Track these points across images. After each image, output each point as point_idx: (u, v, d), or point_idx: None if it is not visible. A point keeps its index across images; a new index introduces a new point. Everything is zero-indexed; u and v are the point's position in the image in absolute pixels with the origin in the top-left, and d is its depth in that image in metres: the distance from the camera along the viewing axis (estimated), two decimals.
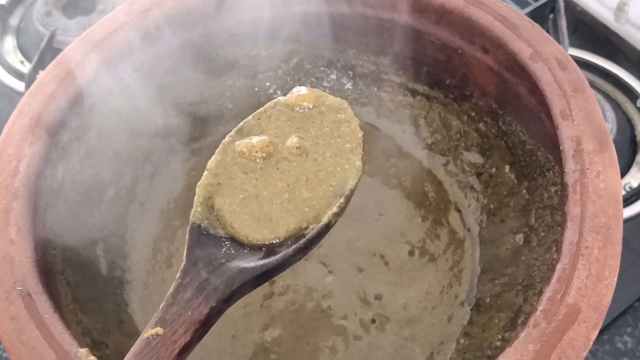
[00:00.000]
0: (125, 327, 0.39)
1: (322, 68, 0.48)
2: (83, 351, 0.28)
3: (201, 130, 0.48)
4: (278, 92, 0.49)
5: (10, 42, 0.65)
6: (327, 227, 0.29)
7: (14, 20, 0.66)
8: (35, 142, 0.35)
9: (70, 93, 0.37)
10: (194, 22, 0.43)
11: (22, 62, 0.63)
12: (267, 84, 0.49)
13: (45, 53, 0.56)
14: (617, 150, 0.33)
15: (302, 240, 0.28)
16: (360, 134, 0.31)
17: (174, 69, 0.45)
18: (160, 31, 0.42)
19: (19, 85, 0.60)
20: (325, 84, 0.49)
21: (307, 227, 0.29)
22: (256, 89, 0.49)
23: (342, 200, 0.29)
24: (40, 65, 0.55)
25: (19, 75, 0.61)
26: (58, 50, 0.40)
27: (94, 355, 0.28)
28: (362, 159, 0.31)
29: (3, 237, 0.31)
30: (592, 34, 0.63)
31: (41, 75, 0.38)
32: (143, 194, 0.45)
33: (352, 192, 0.30)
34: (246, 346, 0.39)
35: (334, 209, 0.29)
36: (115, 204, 0.43)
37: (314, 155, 0.31)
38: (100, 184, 0.42)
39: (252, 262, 0.28)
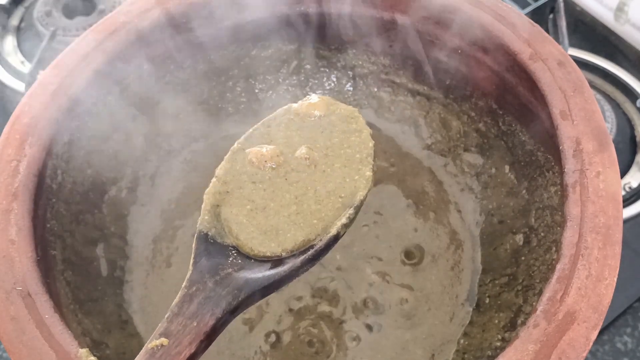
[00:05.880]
0: (125, 327, 0.39)
1: (322, 69, 0.48)
2: (83, 351, 0.28)
3: (201, 131, 0.48)
4: (279, 93, 0.49)
5: (10, 42, 0.65)
6: (336, 238, 0.29)
7: (14, 21, 0.66)
8: (35, 142, 0.35)
9: (70, 93, 0.37)
10: (193, 23, 0.43)
11: (22, 62, 0.63)
12: (268, 85, 0.49)
13: (45, 53, 0.56)
14: (617, 150, 0.32)
15: (311, 252, 0.28)
16: (371, 143, 0.31)
17: (174, 69, 0.45)
18: (160, 31, 0.42)
19: (20, 86, 0.60)
20: (325, 84, 0.49)
21: (315, 239, 0.29)
22: (256, 90, 0.49)
23: (351, 211, 0.29)
24: (40, 65, 0.55)
25: (19, 75, 0.61)
26: (58, 51, 0.40)
27: (94, 355, 0.28)
28: (372, 169, 0.30)
29: (3, 237, 0.31)
30: (592, 34, 0.63)
31: (41, 75, 0.38)
32: (144, 194, 0.45)
33: (361, 203, 0.29)
34: (244, 348, 0.39)
35: (343, 220, 0.29)
36: (116, 204, 0.43)
37: (323, 167, 0.30)
38: (100, 184, 0.42)
39: (259, 273, 0.28)
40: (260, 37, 0.46)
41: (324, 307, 0.40)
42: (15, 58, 0.63)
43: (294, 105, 0.33)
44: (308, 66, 0.48)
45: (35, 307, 0.29)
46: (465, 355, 0.37)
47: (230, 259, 0.28)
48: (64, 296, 0.34)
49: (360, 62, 0.48)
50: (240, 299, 0.27)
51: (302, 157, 0.30)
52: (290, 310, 0.40)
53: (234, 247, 0.29)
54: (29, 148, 0.34)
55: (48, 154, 0.35)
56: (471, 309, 0.39)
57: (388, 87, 0.48)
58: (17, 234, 0.31)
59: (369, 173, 0.30)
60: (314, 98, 0.33)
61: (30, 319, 0.28)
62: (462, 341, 0.38)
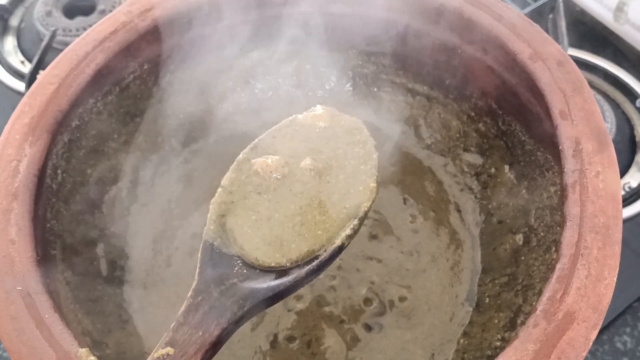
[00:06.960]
0: (125, 327, 0.39)
1: (322, 69, 0.48)
2: (83, 351, 0.28)
3: (201, 131, 0.48)
4: (279, 94, 0.49)
5: (10, 42, 0.65)
6: (340, 248, 0.29)
7: (14, 21, 0.66)
8: (35, 142, 0.35)
9: (70, 93, 0.37)
10: (194, 23, 0.43)
11: (22, 62, 0.63)
12: (268, 85, 0.49)
13: (45, 53, 0.56)
14: (617, 150, 0.33)
15: (315, 262, 0.28)
16: (375, 155, 0.31)
17: (173, 69, 0.45)
18: (159, 32, 0.42)
19: (20, 86, 0.60)
20: (325, 84, 0.49)
21: (319, 249, 0.29)
22: (256, 91, 0.49)
23: (355, 222, 0.29)
24: (40, 65, 0.55)
25: (19, 75, 0.61)
26: (58, 51, 0.40)
27: (94, 355, 0.28)
28: (376, 180, 0.30)
29: (3, 237, 0.31)
30: (592, 34, 0.63)
31: (42, 75, 0.38)
32: (144, 194, 0.45)
33: (365, 214, 0.30)
34: (244, 348, 0.39)
35: (348, 231, 0.29)
36: (116, 204, 0.43)
37: (327, 178, 0.30)
38: (100, 184, 0.42)
39: (264, 283, 0.28)
40: (259, 38, 0.46)
41: (324, 308, 0.40)
42: (15, 58, 0.63)
43: (299, 116, 0.33)
44: (308, 66, 0.48)
45: (35, 307, 0.29)
46: (465, 355, 0.37)
47: (236, 269, 0.28)
48: (63, 296, 0.34)
49: (360, 62, 0.48)
50: (245, 309, 0.27)
51: (307, 168, 0.30)
52: (290, 310, 0.40)
53: (239, 257, 0.29)
54: (29, 148, 0.35)
55: (48, 154, 0.35)
56: (471, 309, 0.39)
57: (388, 87, 0.48)
58: (17, 234, 0.31)
59: (373, 184, 0.30)
60: (318, 109, 0.33)
61: (30, 319, 0.28)
62: (462, 341, 0.38)
